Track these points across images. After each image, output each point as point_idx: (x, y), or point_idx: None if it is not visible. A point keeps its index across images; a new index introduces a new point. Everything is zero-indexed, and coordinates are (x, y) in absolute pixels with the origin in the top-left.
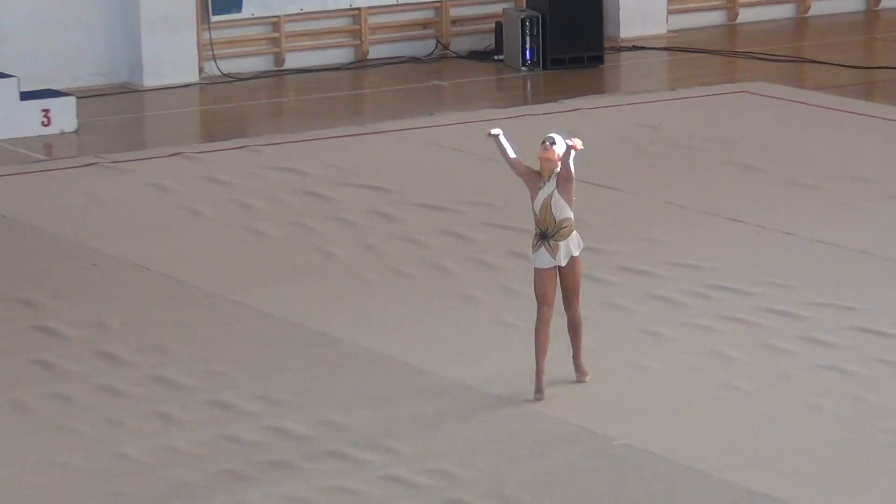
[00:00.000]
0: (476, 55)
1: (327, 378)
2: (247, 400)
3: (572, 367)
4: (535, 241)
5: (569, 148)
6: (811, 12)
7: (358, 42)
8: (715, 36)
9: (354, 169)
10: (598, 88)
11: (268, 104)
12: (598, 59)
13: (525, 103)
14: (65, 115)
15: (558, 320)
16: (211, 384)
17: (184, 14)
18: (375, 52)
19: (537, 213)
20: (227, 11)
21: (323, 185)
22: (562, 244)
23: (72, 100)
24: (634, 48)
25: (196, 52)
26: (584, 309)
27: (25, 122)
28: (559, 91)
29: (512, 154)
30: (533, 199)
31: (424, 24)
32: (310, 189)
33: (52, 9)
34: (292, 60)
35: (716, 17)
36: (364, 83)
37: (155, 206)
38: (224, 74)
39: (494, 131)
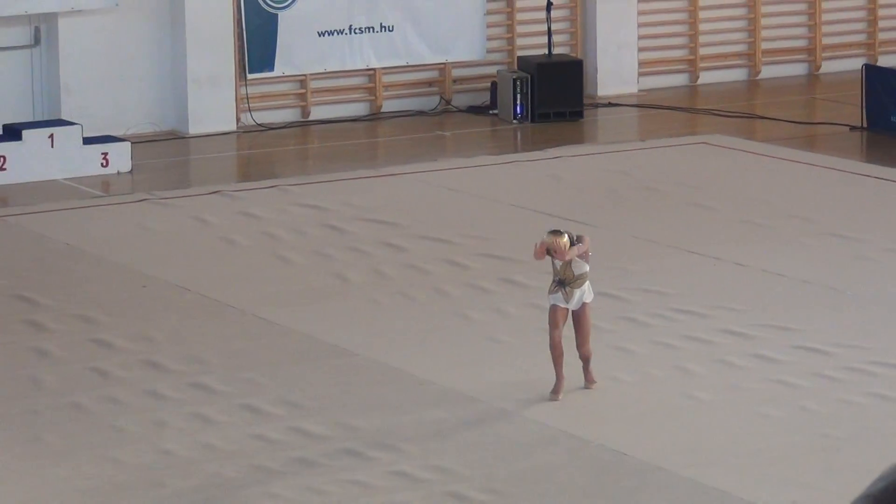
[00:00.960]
0: (474, 110)
1: (343, 386)
2: (273, 404)
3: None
4: (553, 286)
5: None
6: (761, 76)
7: (373, 97)
8: (679, 95)
9: (369, 206)
10: (578, 139)
11: (295, 150)
12: (578, 114)
13: (515, 151)
14: (121, 157)
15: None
16: (242, 390)
17: (224, 72)
18: (388, 106)
19: (558, 267)
20: (261, 70)
21: (341, 220)
22: (577, 291)
23: (127, 145)
24: (610, 105)
25: (234, 104)
26: (565, 329)
27: (87, 163)
28: (545, 141)
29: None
30: (554, 262)
31: (430, 83)
32: (330, 223)
33: (111, 66)
34: (317, 113)
35: (680, 79)
36: (378, 133)
37: (197, 236)
38: (258, 124)
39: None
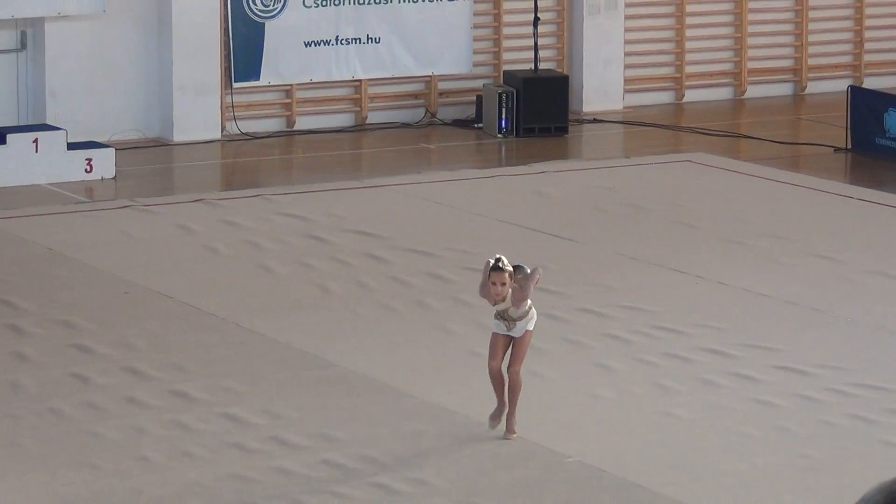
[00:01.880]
0: (459, 123)
1: (323, 397)
2: (253, 413)
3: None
4: (497, 315)
5: (533, 275)
6: (747, 95)
7: (358, 109)
8: (664, 112)
9: (352, 217)
10: (562, 154)
11: (279, 160)
12: (563, 130)
13: (500, 165)
14: (105, 163)
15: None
16: (222, 399)
17: (210, 80)
18: (373, 117)
19: (498, 309)
20: (247, 79)
21: (324, 231)
22: (519, 323)
23: (111, 151)
24: (595, 121)
25: (219, 113)
26: (546, 343)
27: (71, 169)
28: (529, 156)
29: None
30: (493, 305)
31: (416, 95)
32: (313, 233)
33: (96, 72)
34: (301, 123)
35: (665, 97)
36: (362, 144)
37: (180, 244)
38: (242, 133)
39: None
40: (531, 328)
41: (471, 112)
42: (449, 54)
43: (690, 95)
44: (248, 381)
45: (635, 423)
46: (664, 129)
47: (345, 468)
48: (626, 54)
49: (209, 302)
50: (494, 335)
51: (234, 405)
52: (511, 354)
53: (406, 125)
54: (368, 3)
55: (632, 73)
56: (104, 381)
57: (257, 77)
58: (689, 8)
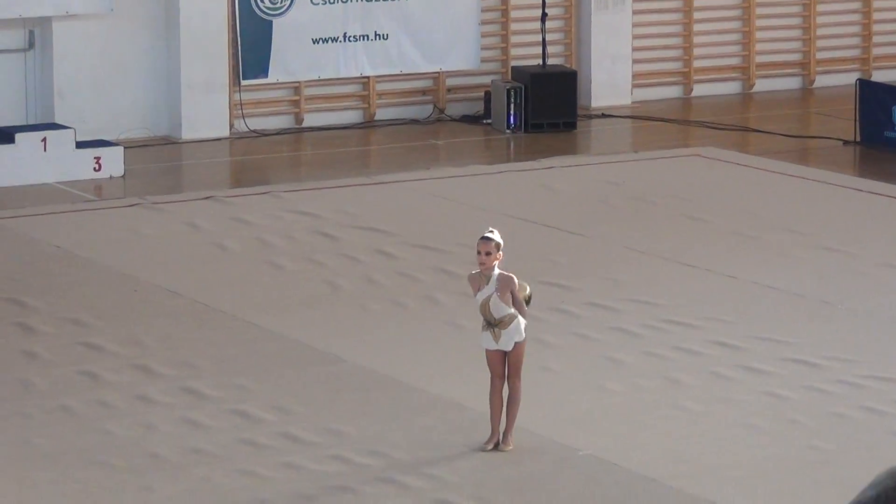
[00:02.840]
0: (467, 119)
1: (332, 392)
2: (263, 409)
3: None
4: (483, 324)
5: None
6: (755, 89)
7: (366, 105)
8: (672, 107)
9: (361, 213)
10: (571, 150)
11: (288, 157)
12: (571, 125)
13: (508, 161)
14: (114, 162)
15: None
16: (232, 395)
17: (218, 78)
18: (381, 114)
19: (479, 307)
20: (255, 77)
21: (333, 227)
22: (504, 332)
23: (120, 149)
24: (603, 116)
25: (227, 110)
26: (555, 337)
27: (80, 167)
28: (538, 151)
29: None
30: (475, 294)
31: (424, 92)
32: (322, 230)
33: (105, 71)
34: (310, 120)
35: (673, 91)
36: (371, 141)
37: (189, 241)
38: (251, 130)
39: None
40: (521, 339)
41: (479, 108)
42: (457, 50)
43: (699, 90)
44: (257, 377)
45: (645, 416)
46: (673, 123)
47: (355, 464)
48: (634, 49)
49: (219, 299)
50: (488, 352)
51: (244, 401)
52: (508, 369)
53: (414, 121)
54: (376, 0)
55: (640, 67)
56: (114, 378)
57: (265, 74)
58: (696, 2)
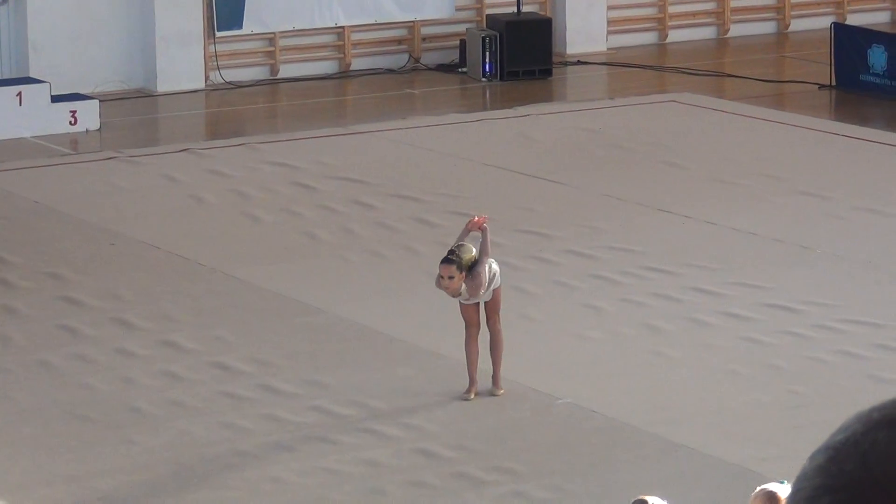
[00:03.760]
0: (443, 68)
1: (312, 344)
2: (242, 362)
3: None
4: None
5: (478, 281)
6: (730, 34)
7: (342, 56)
8: (648, 53)
9: (338, 164)
10: (547, 97)
11: (264, 108)
12: (547, 72)
13: (484, 109)
14: (89, 115)
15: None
16: (212, 348)
17: (193, 30)
18: (357, 64)
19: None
20: (230, 28)
21: (311, 178)
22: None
23: (95, 103)
24: (579, 63)
25: (203, 62)
26: (534, 286)
27: (55, 121)
28: (514, 99)
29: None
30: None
31: (399, 41)
32: (299, 181)
33: (79, 24)
34: (285, 71)
35: (649, 37)
36: (347, 91)
37: (165, 194)
38: (226, 82)
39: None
40: (498, 286)
41: (454, 57)
42: None
43: (674, 35)
44: (236, 329)
45: (625, 363)
46: (648, 69)
47: (335, 414)
48: None
49: (196, 251)
50: (463, 306)
51: (224, 354)
52: (486, 312)
53: (390, 71)
54: None
55: (615, 14)
56: (93, 332)
57: (240, 26)
58: None
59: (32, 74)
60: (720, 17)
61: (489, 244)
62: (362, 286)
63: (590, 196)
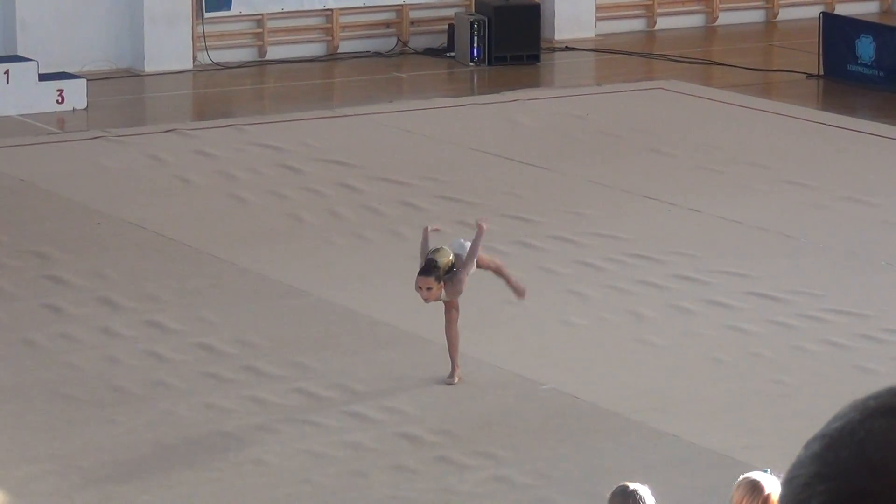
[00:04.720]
0: (431, 52)
1: (296, 326)
2: (227, 343)
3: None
4: None
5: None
6: (719, 22)
7: (330, 38)
8: (636, 40)
9: (324, 146)
10: (534, 82)
11: (251, 89)
12: (535, 58)
13: (472, 94)
14: (76, 94)
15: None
16: (196, 329)
17: (181, 10)
18: (344, 47)
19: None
20: (218, 9)
21: (297, 160)
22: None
23: (83, 82)
24: (567, 49)
25: (191, 43)
26: (519, 271)
27: (42, 99)
28: (501, 84)
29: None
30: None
31: (387, 24)
32: (286, 163)
33: (68, 3)
34: (273, 53)
35: (637, 24)
36: (334, 74)
37: (152, 174)
38: (214, 63)
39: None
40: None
41: (443, 41)
42: None
43: (662, 23)
44: (221, 310)
45: (609, 350)
46: (636, 56)
47: (318, 397)
48: None
49: (182, 232)
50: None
51: (208, 335)
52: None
53: (378, 54)
54: None
55: (604, 0)
56: (78, 311)
57: (228, 7)
58: None
59: (20, 53)
60: (709, 4)
61: (479, 248)
62: (347, 269)
63: (575, 182)
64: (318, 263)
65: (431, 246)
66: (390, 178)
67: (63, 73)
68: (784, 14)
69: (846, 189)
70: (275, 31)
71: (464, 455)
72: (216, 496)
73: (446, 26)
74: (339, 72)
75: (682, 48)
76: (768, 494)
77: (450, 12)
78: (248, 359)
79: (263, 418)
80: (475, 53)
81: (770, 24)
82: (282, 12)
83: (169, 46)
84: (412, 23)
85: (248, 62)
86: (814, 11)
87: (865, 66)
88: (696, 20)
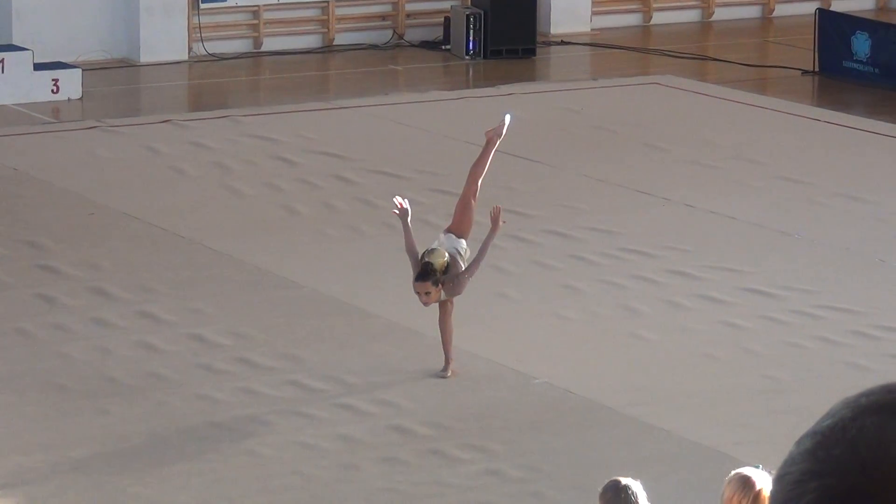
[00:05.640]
0: (426, 45)
1: (290, 318)
2: (220, 334)
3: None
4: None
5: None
6: (715, 17)
7: (325, 30)
8: (632, 35)
9: (319, 138)
10: (530, 76)
11: (246, 81)
12: (531, 52)
13: (467, 87)
14: (72, 84)
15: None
16: (189, 320)
17: (177, 1)
18: (340, 39)
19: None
20: (214, 0)
21: (292, 152)
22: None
23: (78, 71)
24: (562, 43)
25: (186, 34)
26: (513, 265)
27: (37, 89)
28: (497, 78)
29: (410, 238)
30: None
31: (383, 17)
32: (280, 155)
33: None
34: (269, 44)
35: (633, 19)
36: (330, 66)
37: (146, 165)
38: (210, 54)
39: (401, 206)
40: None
41: (438, 34)
42: None
43: (658, 18)
44: (214, 302)
45: (602, 344)
46: (632, 51)
47: (311, 389)
48: None
49: (176, 223)
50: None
51: (201, 326)
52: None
53: (373, 47)
54: None
55: None
56: (71, 301)
57: None
58: None
59: (16, 42)
60: (705, 0)
61: (488, 250)
62: (341, 261)
63: (570, 176)
64: (313, 255)
65: (421, 249)
66: (385, 171)
67: (58, 62)
68: (780, 10)
69: (841, 185)
70: (271, 22)
71: (456, 448)
72: (209, 487)
73: (442, 19)
74: (334, 64)
75: (677, 43)
76: (759, 490)
77: (446, 5)
78: (241, 350)
79: (256, 410)
80: (471, 47)
81: (766, 19)
82: (278, 4)
83: (165, 37)
84: (408, 15)
85: (244, 53)
86: (810, 7)
87: (861, 62)
88: (692, 15)
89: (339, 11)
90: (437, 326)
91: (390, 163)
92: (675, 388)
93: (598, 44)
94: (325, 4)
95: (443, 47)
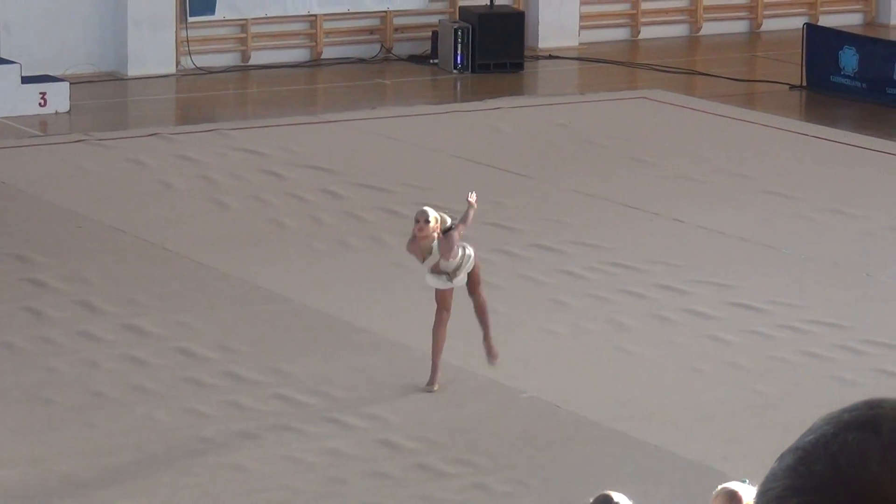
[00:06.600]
0: (414, 59)
1: (277, 332)
2: (207, 348)
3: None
4: (432, 271)
5: (455, 228)
6: (702, 32)
7: (313, 44)
8: (619, 49)
9: (307, 152)
10: (517, 90)
11: (234, 94)
12: (518, 66)
13: (455, 101)
14: (59, 97)
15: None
16: (176, 333)
17: (165, 15)
18: (328, 53)
19: (429, 269)
20: (202, 13)
21: (279, 166)
22: (460, 273)
23: (66, 85)
24: (550, 57)
25: (174, 47)
26: (500, 279)
27: (25, 102)
28: (484, 92)
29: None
30: (422, 262)
31: (371, 31)
32: (268, 168)
33: (51, 5)
34: (256, 58)
35: (621, 33)
36: (317, 79)
37: (134, 178)
38: (197, 68)
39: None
40: (472, 266)
41: (426, 48)
42: None
43: (646, 32)
44: (201, 315)
45: (589, 358)
46: (620, 65)
47: (298, 403)
48: None
49: (163, 236)
50: (439, 291)
51: (188, 340)
52: (469, 285)
53: (361, 60)
54: None
55: (588, 9)
56: (57, 315)
57: (212, 11)
58: None
59: (3, 55)
60: (693, 14)
61: (471, 219)
62: (329, 275)
63: (558, 191)
64: (300, 269)
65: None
66: (372, 185)
67: (46, 75)
68: (768, 25)
69: (828, 200)
70: (258, 36)
71: (443, 462)
72: (195, 501)
73: (430, 33)
74: (322, 78)
75: (665, 58)
76: None
77: (434, 19)
78: (228, 364)
79: (243, 424)
80: (459, 61)
81: (754, 34)
82: (266, 17)
83: (152, 50)
84: (396, 29)
85: (232, 67)
86: (797, 22)
87: (848, 77)
88: (680, 30)
89: (327, 25)
90: (430, 334)
91: (378, 177)
92: (663, 402)
93: (586, 58)
94: (313, 18)
95: (431, 61)
